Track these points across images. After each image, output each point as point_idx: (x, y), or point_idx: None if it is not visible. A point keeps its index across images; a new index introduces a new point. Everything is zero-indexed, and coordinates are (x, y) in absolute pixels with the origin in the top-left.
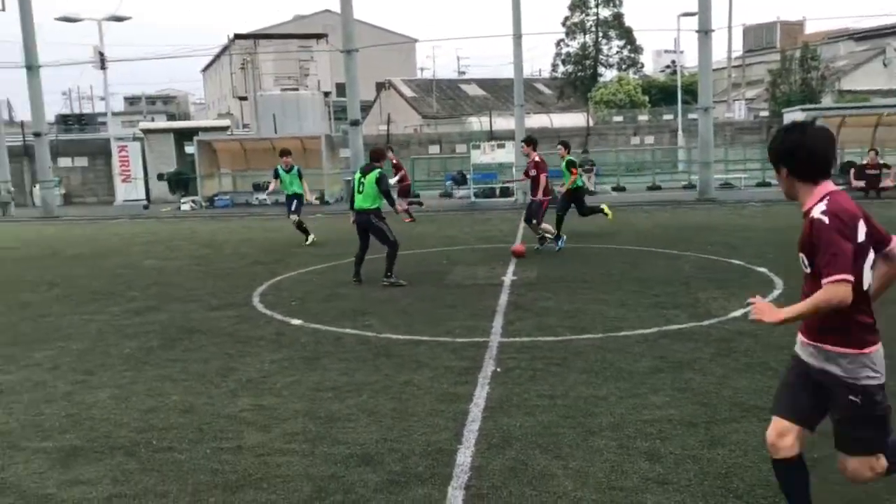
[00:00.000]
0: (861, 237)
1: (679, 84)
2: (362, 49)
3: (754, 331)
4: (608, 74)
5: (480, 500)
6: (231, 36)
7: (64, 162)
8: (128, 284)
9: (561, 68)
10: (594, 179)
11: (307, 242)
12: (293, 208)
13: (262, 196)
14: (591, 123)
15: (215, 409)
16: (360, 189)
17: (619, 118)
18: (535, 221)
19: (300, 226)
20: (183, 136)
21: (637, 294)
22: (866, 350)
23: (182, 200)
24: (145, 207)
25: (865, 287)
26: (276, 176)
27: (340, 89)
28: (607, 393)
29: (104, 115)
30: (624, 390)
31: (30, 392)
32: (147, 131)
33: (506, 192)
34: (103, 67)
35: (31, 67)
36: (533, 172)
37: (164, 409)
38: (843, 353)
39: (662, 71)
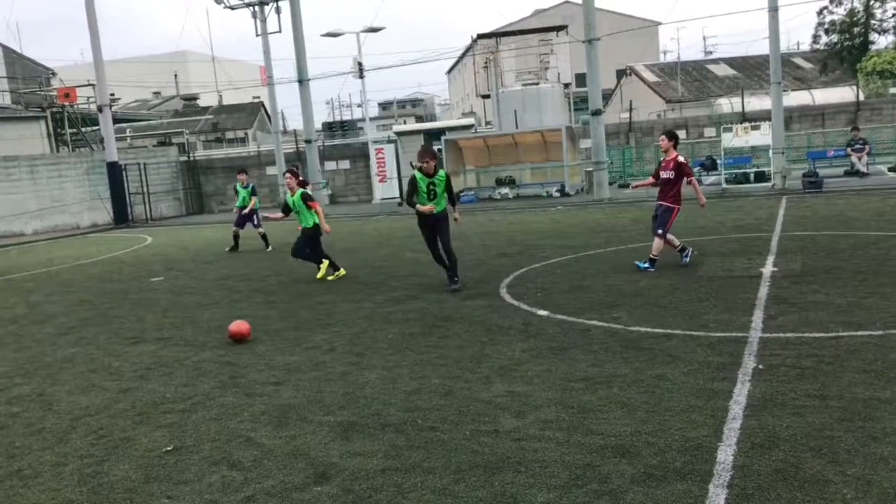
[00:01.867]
0: None
1: None
2: (603, 37)
3: None
4: (882, 41)
5: (745, 501)
6: (474, 36)
7: (329, 165)
8: (389, 275)
9: (824, 39)
10: (866, 159)
11: (229, 250)
12: (256, 222)
13: (504, 190)
14: (861, 97)
15: (472, 394)
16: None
17: None
18: (660, 232)
19: (237, 237)
20: (431, 136)
21: None
22: None
23: None
24: (399, 205)
25: None
26: (236, 192)
27: (580, 79)
28: (892, 396)
29: (362, 120)
30: None
31: (312, 371)
32: (400, 133)
33: (761, 178)
34: (361, 76)
35: (302, 81)
36: (670, 174)
37: (426, 392)
38: None
39: None
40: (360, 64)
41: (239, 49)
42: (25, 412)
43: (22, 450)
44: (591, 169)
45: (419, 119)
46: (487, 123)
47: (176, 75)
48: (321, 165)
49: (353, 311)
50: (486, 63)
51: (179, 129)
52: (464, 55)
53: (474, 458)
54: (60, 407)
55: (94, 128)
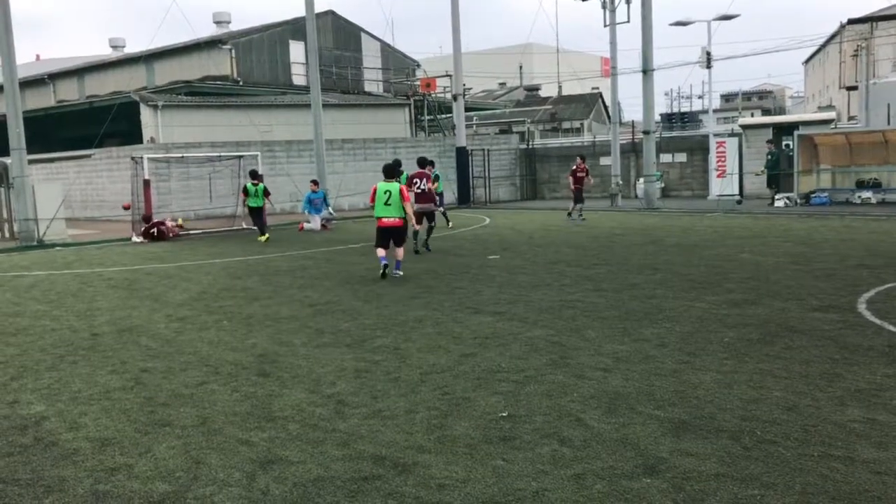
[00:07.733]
0: None
1: None
2: None
3: None
4: None
5: None
6: (843, 22)
7: (665, 158)
8: (724, 276)
9: None
10: None
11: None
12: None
13: (865, 194)
14: None
15: (821, 414)
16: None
17: None
18: None
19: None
20: (782, 130)
21: None
22: None
23: (776, 197)
24: (738, 203)
25: None
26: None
27: None
28: None
29: (703, 112)
30: None
31: (642, 363)
32: (746, 126)
33: None
34: (709, 66)
35: (647, 72)
36: None
37: (766, 403)
38: None
39: None
40: (708, 53)
41: (583, 40)
42: (385, 361)
43: (383, 393)
44: None
45: (766, 112)
46: (851, 118)
47: (521, 66)
48: (656, 158)
49: (684, 308)
50: (855, 51)
51: (521, 119)
52: (827, 42)
53: (823, 482)
54: (412, 361)
55: (447, 115)
